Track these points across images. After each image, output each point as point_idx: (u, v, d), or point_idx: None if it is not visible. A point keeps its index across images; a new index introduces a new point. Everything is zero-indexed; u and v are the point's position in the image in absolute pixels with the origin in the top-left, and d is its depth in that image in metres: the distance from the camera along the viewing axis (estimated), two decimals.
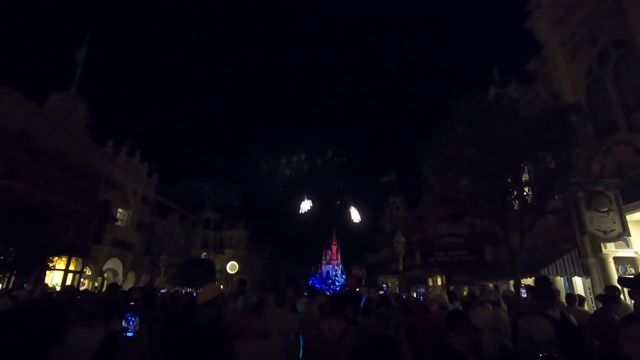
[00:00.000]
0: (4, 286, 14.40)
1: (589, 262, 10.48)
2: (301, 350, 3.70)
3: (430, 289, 23.14)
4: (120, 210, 27.56)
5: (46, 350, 1.02)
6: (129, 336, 1.89)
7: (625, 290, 8.40)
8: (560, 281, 12.27)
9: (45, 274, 18.15)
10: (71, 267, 21.73)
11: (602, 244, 10.01)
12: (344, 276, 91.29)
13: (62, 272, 20.86)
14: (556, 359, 1.84)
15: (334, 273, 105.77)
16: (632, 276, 8.99)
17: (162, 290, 12.87)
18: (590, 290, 10.91)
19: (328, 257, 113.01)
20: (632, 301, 3.82)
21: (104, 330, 2.10)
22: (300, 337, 4.26)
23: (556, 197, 9.03)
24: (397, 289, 23.13)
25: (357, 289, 17.44)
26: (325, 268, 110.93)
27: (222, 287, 26.60)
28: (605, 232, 9.49)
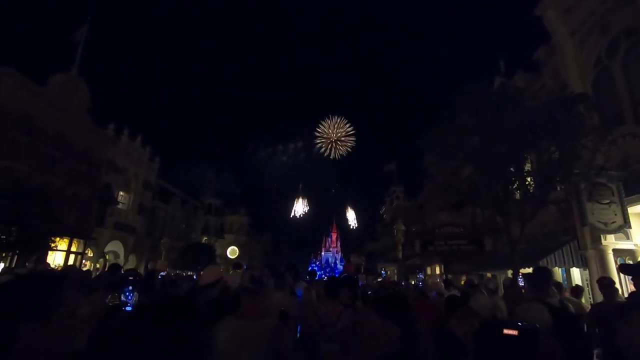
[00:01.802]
0: (7, 265, 14.56)
1: (588, 253, 10.51)
2: (298, 334, 3.73)
3: (428, 277, 23.34)
4: (121, 193, 27.65)
5: (14, 326, 0.97)
6: (128, 310, 1.90)
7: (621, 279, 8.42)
8: (558, 272, 12.34)
9: (47, 254, 18.33)
10: (73, 249, 21.92)
11: (602, 235, 10.01)
12: (342, 264, 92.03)
13: (64, 253, 21.05)
14: (536, 329, 1.87)
15: (333, 261, 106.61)
16: (631, 263, 9.01)
17: (162, 274, 12.94)
18: (588, 282, 10.98)
19: (327, 245, 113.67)
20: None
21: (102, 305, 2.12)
22: (297, 323, 4.28)
23: (558, 188, 9.00)
24: (396, 276, 23.33)
25: (356, 276, 17.56)
26: (324, 256, 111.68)
27: (222, 270, 26.88)
28: (606, 224, 9.49)
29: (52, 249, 17.57)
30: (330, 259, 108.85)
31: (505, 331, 1.53)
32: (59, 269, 15.44)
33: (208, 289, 3.75)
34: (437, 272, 23.40)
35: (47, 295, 1.06)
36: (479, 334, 2.56)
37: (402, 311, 1.76)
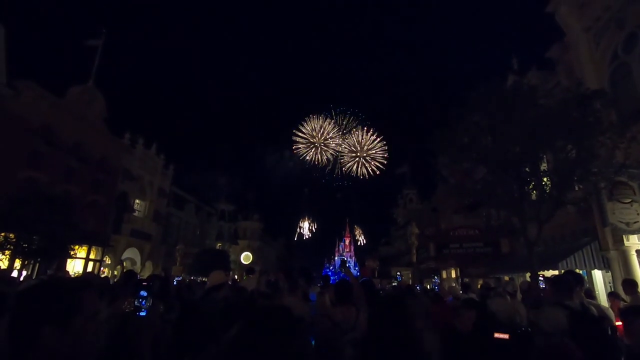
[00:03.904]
0: (29, 273, 14.97)
1: (610, 255, 10.19)
2: (312, 340, 3.69)
3: (444, 281, 22.98)
4: (137, 201, 28.16)
5: (36, 331, 0.99)
6: (142, 316, 1.92)
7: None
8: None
9: (67, 262, 18.78)
10: (92, 256, 22.42)
11: (624, 236, 9.70)
12: (356, 268, 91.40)
13: (83, 261, 21.54)
14: (529, 333, 1.84)
15: (347, 265, 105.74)
16: None
17: (178, 278, 13.14)
18: (611, 284, 10.62)
19: (341, 249, 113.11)
20: None
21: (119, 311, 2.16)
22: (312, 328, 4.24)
23: (576, 187, 8.77)
24: (410, 280, 23.05)
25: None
26: (338, 260, 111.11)
27: (236, 276, 26.99)
28: (628, 224, 9.18)
29: (71, 257, 17.99)
30: None
31: (497, 335, 1.51)
32: (78, 276, 15.80)
33: (213, 292, 4.02)
34: (453, 275, 23.02)
35: (68, 300, 1.08)
36: (471, 337, 2.53)
37: (390, 310, 1.79)
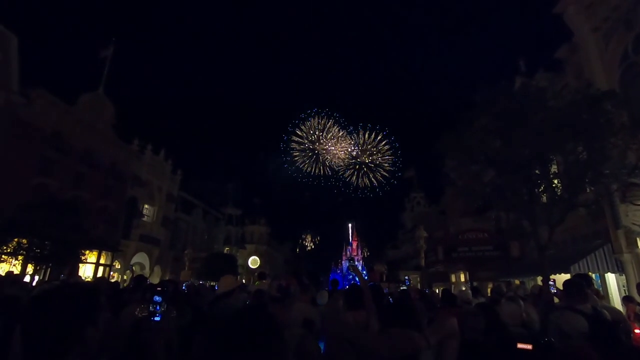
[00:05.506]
0: (41, 278, 15.17)
1: (623, 258, 10.01)
2: (322, 345, 3.68)
3: (454, 286, 22.73)
4: (146, 206, 28.41)
5: (81, 330, 1.05)
6: (156, 321, 1.94)
7: None
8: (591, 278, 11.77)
9: (78, 267, 19.00)
10: (102, 261, 22.65)
11: (638, 238, 9.53)
12: (364, 272, 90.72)
13: (94, 265, 21.77)
14: (551, 343, 1.79)
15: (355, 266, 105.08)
16: None
17: (186, 284, 13.17)
18: (625, 288, 10.43)
19: (349, 253, 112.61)
20: None
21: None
22: (322, 333, 4.22)
23: (588, 190, 8.65)
24: (419, 284, 22.86)
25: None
26: (345, 264, 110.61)
27: (244, 281, 27.02)
28: None
29: (82, 262, 18.21)
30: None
31: (520, 345, 1.48)
32: (89, 280, 15.97)
33: (225, 297, 3.96)
34: (462, 279, 22.79)
35: (97, 301, 1.17)
36: (494, 347, 2.49)
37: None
